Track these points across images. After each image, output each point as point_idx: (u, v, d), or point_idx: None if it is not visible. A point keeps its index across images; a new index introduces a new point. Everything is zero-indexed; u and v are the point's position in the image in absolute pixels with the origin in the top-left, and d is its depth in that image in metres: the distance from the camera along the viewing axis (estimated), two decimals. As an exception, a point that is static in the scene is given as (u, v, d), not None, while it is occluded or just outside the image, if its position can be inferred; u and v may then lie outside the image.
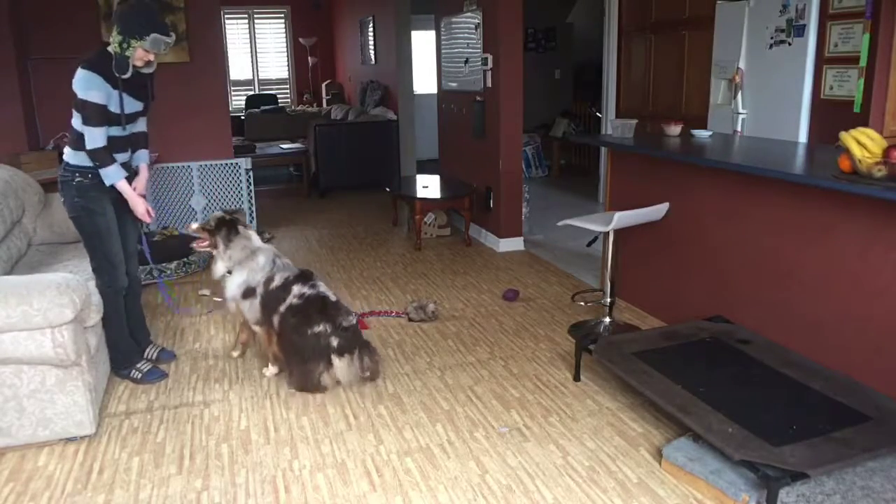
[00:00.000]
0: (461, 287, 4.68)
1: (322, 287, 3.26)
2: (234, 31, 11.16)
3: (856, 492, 2.20)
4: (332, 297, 3.23)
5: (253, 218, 6.15)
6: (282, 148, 8.56)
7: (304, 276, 3.27)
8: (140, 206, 3.16)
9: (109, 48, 3.00)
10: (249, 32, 11.27)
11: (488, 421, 2.92)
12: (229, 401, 3.14)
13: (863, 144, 2.57)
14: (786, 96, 4.39)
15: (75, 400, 2.73)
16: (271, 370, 3.36)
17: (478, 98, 5.67)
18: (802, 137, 4.32)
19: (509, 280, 4.80)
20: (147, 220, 3.24)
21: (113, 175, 3.05)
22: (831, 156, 2.97)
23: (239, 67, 11.15)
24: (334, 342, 3.11)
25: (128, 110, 3.10)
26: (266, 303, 3.20)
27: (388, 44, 8.42)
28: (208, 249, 3.35)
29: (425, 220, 5.86)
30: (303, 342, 3.11)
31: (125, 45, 2.93)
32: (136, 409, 3.08)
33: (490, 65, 5.40)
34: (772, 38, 4.45)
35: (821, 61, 4.23)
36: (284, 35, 11.37)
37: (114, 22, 2.97)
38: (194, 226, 3.37)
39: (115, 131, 3.07)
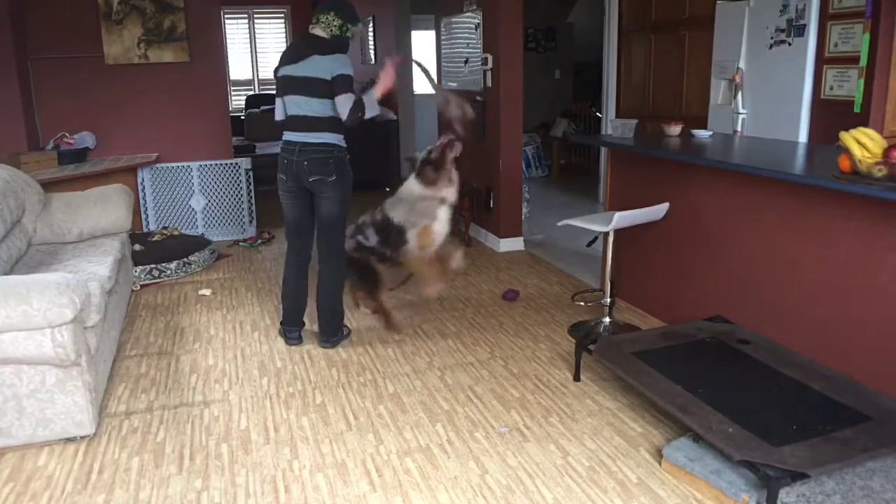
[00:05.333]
0: (461, 287, 4.68)
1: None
2: (234, 31, 11.15)
3: (856, 492, 2.20)
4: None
5: (253, 218, 6.15)
6: (282, 148, 8.55)
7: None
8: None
9: (321, 33, 3.40)
10: (249, 32, 11.26)
11: (488, 421, 2.92)
12: (229, 401, 3.14)
13: (863, 144, 2.57)
14: (786, 96, 4.39)
15: (75, 400, 2.72)
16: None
17: (478, 98, 5.67)
18: (802, 137, 4.32)
19: (509, 280, 4.80)
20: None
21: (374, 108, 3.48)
22: (831, 156, 2.97)
23: (239, 67, 11.13)
24: None
25: None
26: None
27: (388, 44, 8.42)
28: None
29: (425, 220, 5.85)
30: None
31: (345, 29, 3.42)
32: (136, 409, 3.08)
33: (490, 65, 5.40)
34: (772, 38, 4.45)
35: (821, 61, 4.23)
36: (284, 35, 11.35)
37: (326, 10, 3.38)
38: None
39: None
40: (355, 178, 3.55)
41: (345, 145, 3.50)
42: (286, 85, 3.44)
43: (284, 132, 3.49)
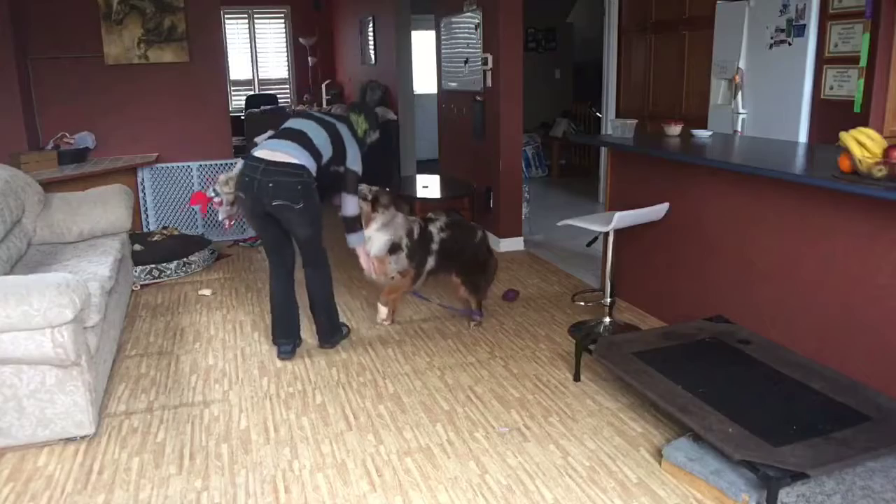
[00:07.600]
0: (461, 287, 4.67)
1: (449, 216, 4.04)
2: (234, 31, 11.15)
3: (856, 492, 2.20)
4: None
5: (253, 218, 6.14)
6: (282, 148, 8.54)
7: (432, 220, 3.97)
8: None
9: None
10: (249, 32, 11.26)
11: (488, 421, 2.92)
12: (229, 401, 3.14)
13: (863, 144, 2.57)
14: (786, 96, 4.39)
15: (75, 400, 2.72)
16: (384, 313, 3.99)
17: (478, 98, 5.67)
18: (802, 137, 4.31)
19: (509, 280, 4.80)
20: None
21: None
22: (831, 156, 2.97)
23: (239, 67, 11.13)
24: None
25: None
26: (412, 252, 3.83)
27: (388, 44, 8.42)
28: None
29: (425, 219, 5.85)
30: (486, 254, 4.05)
31: (368, 134, 3.67)
32: (136, 409, 3.08)
33: (490, 65, 5.40)
34: (772, 38, 4.45)
35: (821, 61, 4.23)
36: (284, 35, 11.36)
37: (358, 112, 3.66)
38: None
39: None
40: None
41: (314, 173, 3.36)
42: (295, 120, 3.50)
43: (254, 149, 3.39)
